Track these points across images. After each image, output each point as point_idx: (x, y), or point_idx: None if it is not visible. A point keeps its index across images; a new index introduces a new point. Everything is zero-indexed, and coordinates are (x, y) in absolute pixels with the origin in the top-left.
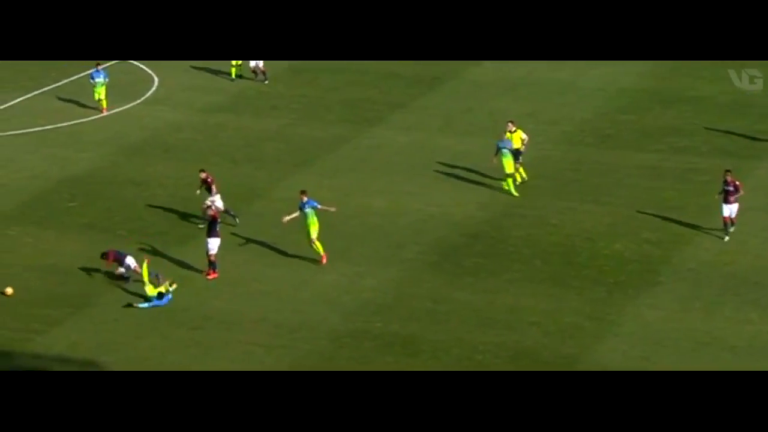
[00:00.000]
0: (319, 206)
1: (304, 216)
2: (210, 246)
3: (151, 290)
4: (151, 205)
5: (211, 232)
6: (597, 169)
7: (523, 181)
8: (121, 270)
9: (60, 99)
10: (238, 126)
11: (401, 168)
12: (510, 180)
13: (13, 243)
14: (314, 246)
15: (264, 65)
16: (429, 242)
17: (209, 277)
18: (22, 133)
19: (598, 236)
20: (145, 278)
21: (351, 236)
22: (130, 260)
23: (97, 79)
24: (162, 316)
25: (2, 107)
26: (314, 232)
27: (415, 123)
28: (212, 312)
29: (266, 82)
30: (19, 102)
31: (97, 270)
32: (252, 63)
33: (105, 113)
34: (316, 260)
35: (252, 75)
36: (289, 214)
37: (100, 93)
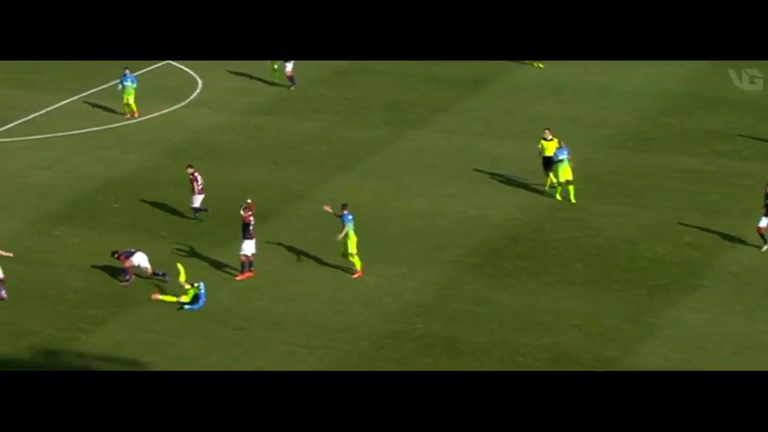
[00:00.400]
0: (348, 222)
1: (342, 228)
2: (244, 248)
3: (185, 298)
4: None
5: (245, 234)
6: (638, 172)
7: (552, 187)
8: (142, 267)
9: (106, 101)
10: (280, 128)
11: (442, 171)
12: (571, 187)
13: (59, 243)
14: (351, 259)
15: (292, 70)
16: (470, 244)
17: (238, 278)
18: (70, 135)
19: (639, 239)
20: (173, 300)
21: (392, 238)
22: (140, 257)
23: (125, 83)
24: (205, 316)
25: (50, 109)
26: (352, 246)
27: (456, 126)
28: (254, 312)
29: (291, 88)
30: (66, 104)
31: (142, 270)
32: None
33: (138, 118)
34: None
35: (288, 82)
36: (332, 209)
37: (129, 98)
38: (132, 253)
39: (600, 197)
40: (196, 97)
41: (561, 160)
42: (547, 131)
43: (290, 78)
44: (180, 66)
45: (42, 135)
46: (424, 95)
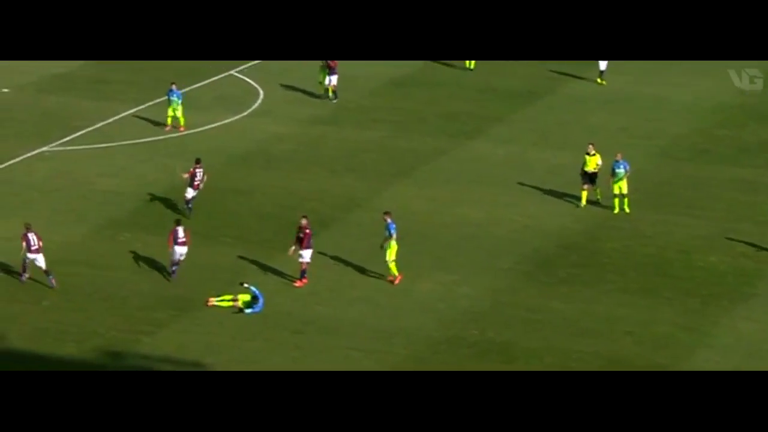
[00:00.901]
0: (393, 232)
1: (387, 237)
2: (304, 255)
3: (241, 303)
4: (254, 214)
5: (306, 244)
6: (692, 183)
7: (597, 201)
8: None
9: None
10: (339, 137)
11: (497, 180)
12: (626, 200)
13: (124, 248)
14: (389, 266)
15: (336, 83)
16: (524, 252)
17: (297, 284)
18: (134, 143)
19: (692, 249)
20: (228, 305)
21: (447, 245)
22: (181, 250)
23: (172, 98)
24: (265, 320)
25: (116, 118)
26: (391, 253)
27: (511, 136)
28: (313, 317)
29: (334, 101)
30: (131, 113)
31: (203, 275)
32: (326, 82)
33: (184, 131)
34: (411, 269)
35: (331, 95)
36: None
37: (176, 111)
38: (178, 239)
39: (654, 207)
40: (257, 107)
41: (618, 173)
42: (590, 146)
43: (333, 91)
44: (242, 77)
45: (108, 143)
46: (480, 106)
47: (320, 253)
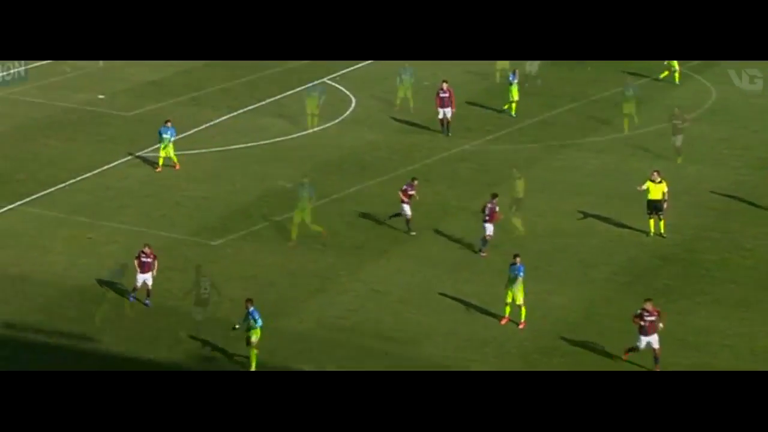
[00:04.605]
0: (522, 274)
1: (513, 279)
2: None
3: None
4: (345, 221)
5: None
6: None
7: (660, 236)
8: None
9: (262, 118)
10: (432, 146)
11: (592, 189)
12: None
13: (215, 254)
14: (523, 310)
15: (451, 115)
16: (619, 263)
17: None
18: (226, 150)
19: None
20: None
21: (541, 255)
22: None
23: (164, 135)
24: (356, 327)
25: (209, 125)
26: (520, 297)
27: (607, 146)
28: (404, 325)
29: (449, 134)
30: (224, 120)
31: (294, 281)
32: (440, 114)
33: (178, 168)
34: (505, 277)
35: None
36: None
37: (168, 150)
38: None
39: (754, 219)
40: (349, 115)
41: None
42: (655, 173)
43: (446, 123)
44: (335, 84)
45: (200, 150)
46: (576, 114)
47: (412, 261)
